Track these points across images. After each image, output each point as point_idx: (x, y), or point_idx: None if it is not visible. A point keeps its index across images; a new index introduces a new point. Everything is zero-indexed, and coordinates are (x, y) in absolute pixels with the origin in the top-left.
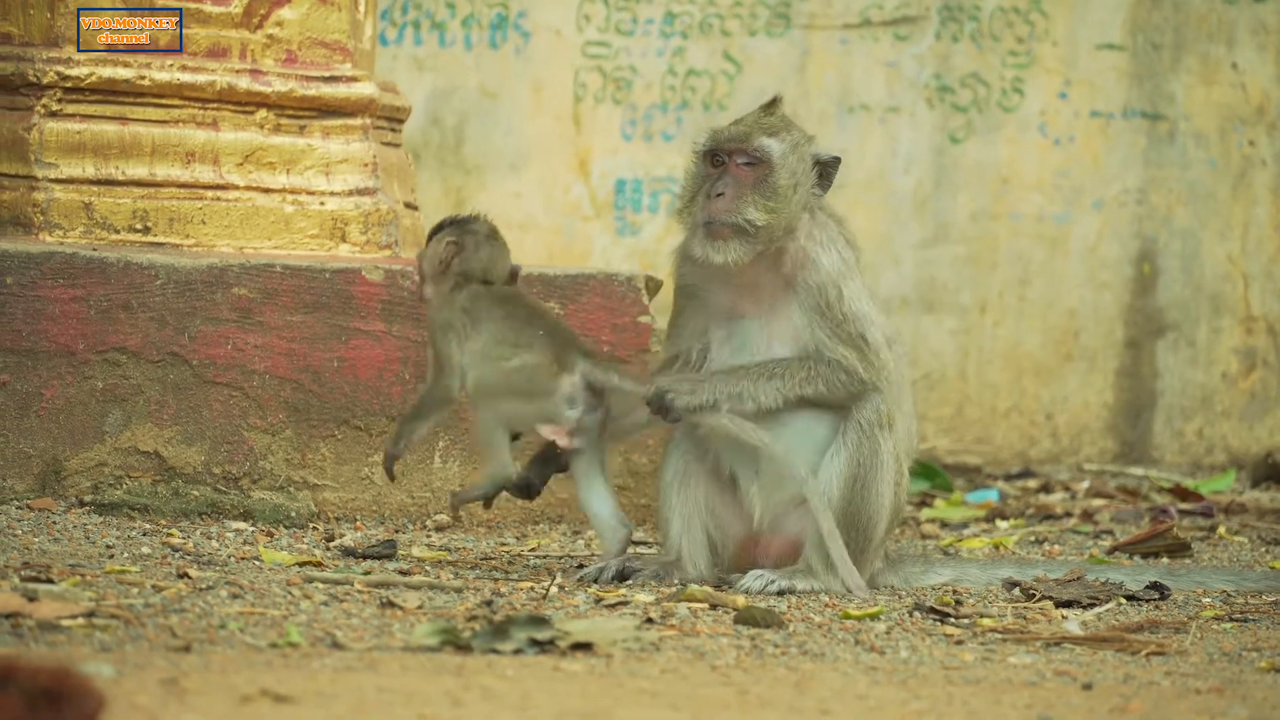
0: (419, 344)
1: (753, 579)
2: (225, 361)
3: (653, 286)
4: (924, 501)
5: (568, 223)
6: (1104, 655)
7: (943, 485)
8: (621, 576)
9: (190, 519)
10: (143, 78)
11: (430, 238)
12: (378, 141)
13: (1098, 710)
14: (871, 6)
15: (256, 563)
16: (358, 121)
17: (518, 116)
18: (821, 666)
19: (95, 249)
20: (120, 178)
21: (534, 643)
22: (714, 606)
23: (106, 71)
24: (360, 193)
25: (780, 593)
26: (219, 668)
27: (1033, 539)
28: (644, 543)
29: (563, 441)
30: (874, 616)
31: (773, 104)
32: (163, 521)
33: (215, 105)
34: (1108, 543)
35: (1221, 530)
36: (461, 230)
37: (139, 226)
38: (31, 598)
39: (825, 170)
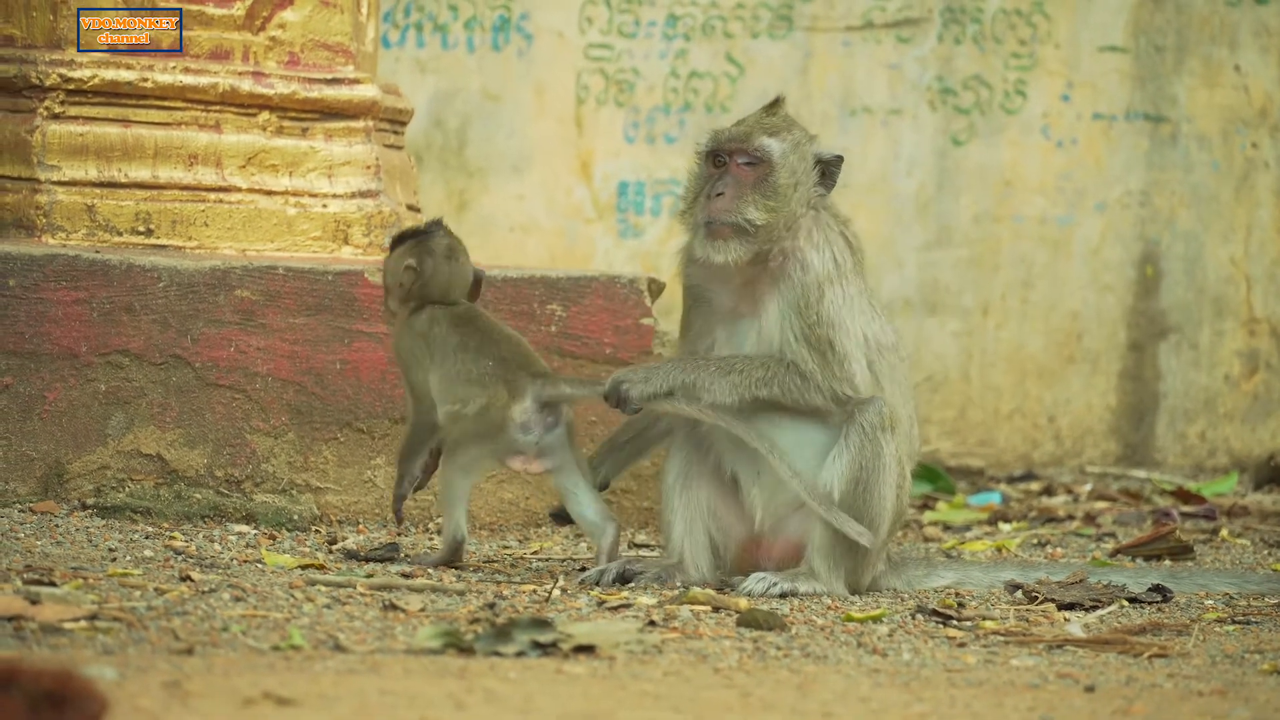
0: None
1: (755, 581)
2: (228, 364)
3: (655, 289)
4: (926, 504)
5: (570, 225)
6: (1106, 657)
7: (945, 488)
8: (623, 579)
9: (193, 522)
10: (145, 80)
11: (392, 248)
12: (380, 144)
13: (1100, 712)
14: (874, 9)
15: (259, 565)
16: (360, 124)
17: (520, 119)
18: (824, 669)
19: (98, 251)
20: (123, 180)
21: (536, 645)
22: (716, 609)
23: (109, 74)
24: (363, 195)
25: (783, 595)
26: (221, 670)
27: (1035, 541)
28: (646, 545)
29: (532, 468)
30: (876, 619)
31: (775, 104)
32: (165, 524)
33: (218, 107)
34: (1110, 545)
35: (1224, 533)
36: (420, 251)
37: (141, 229)
38: (34, 600)
39: (828, 169)
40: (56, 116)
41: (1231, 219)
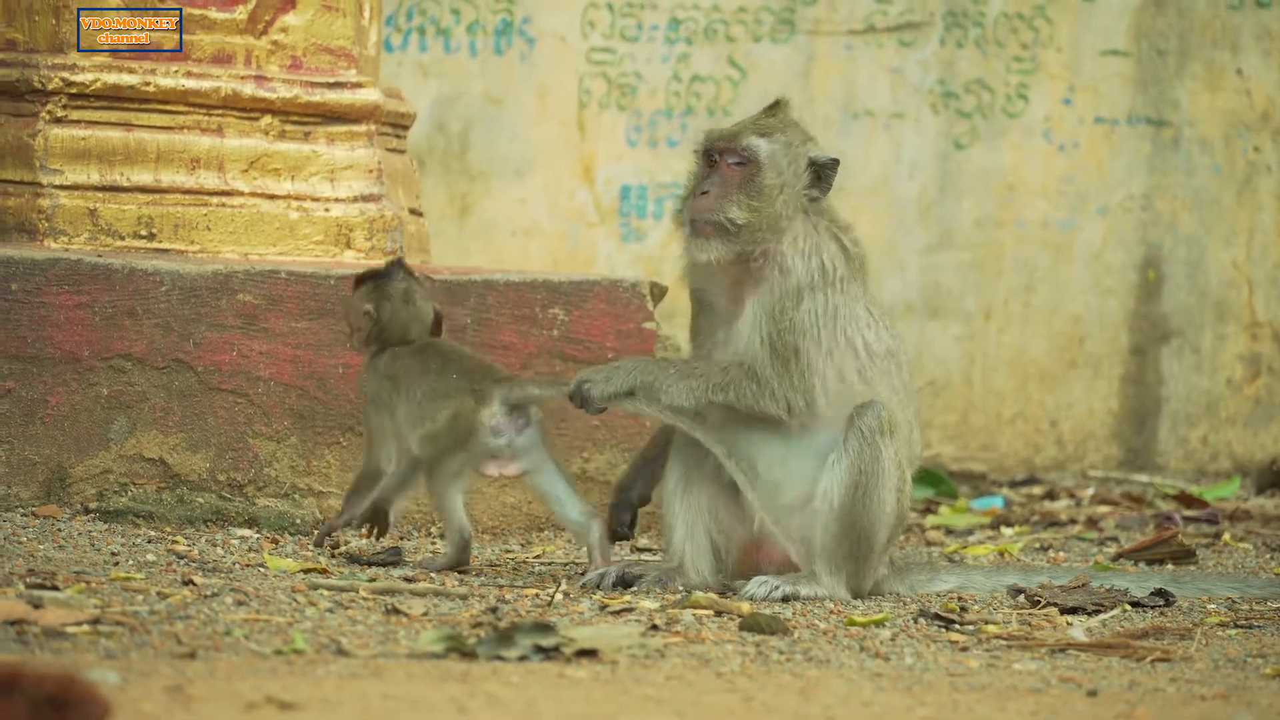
0: None
1: (756, 585)
2: (230, 368)
3: (657, 293)
4: (929, 508)
5: (572, 229)
6: (1109, 662)
7: (948, 492)
8: (624, 582)
9: (195, 526)
10: (148, 84)
11: (354, 288)
12: (382, 148)
13: (1103, 716)
14: (876, 12)
15: (261, 570)
16: (362, 128)
17: (522, 123)
18: (827, 673)
19: (100, 255)
20: (125, 184)
21: (539, 649)
22: (719, 613)
23: (111, 77)
24: (365, 199)
25: (784, 599)
26: (224, 675)
27: (1038, 546)
28: (649, 550)
29: (508, 471)
30: (879, 623)
31: (775, 106)
32: (168, 528)
33: (220, 111)
34: (1113, 549)
35: (1226, 537)
36: (377, 295)
37: (144, 233)
38: (37, 605)
39: (823, 172)
40: (59, 120)
41: (1233, 223)
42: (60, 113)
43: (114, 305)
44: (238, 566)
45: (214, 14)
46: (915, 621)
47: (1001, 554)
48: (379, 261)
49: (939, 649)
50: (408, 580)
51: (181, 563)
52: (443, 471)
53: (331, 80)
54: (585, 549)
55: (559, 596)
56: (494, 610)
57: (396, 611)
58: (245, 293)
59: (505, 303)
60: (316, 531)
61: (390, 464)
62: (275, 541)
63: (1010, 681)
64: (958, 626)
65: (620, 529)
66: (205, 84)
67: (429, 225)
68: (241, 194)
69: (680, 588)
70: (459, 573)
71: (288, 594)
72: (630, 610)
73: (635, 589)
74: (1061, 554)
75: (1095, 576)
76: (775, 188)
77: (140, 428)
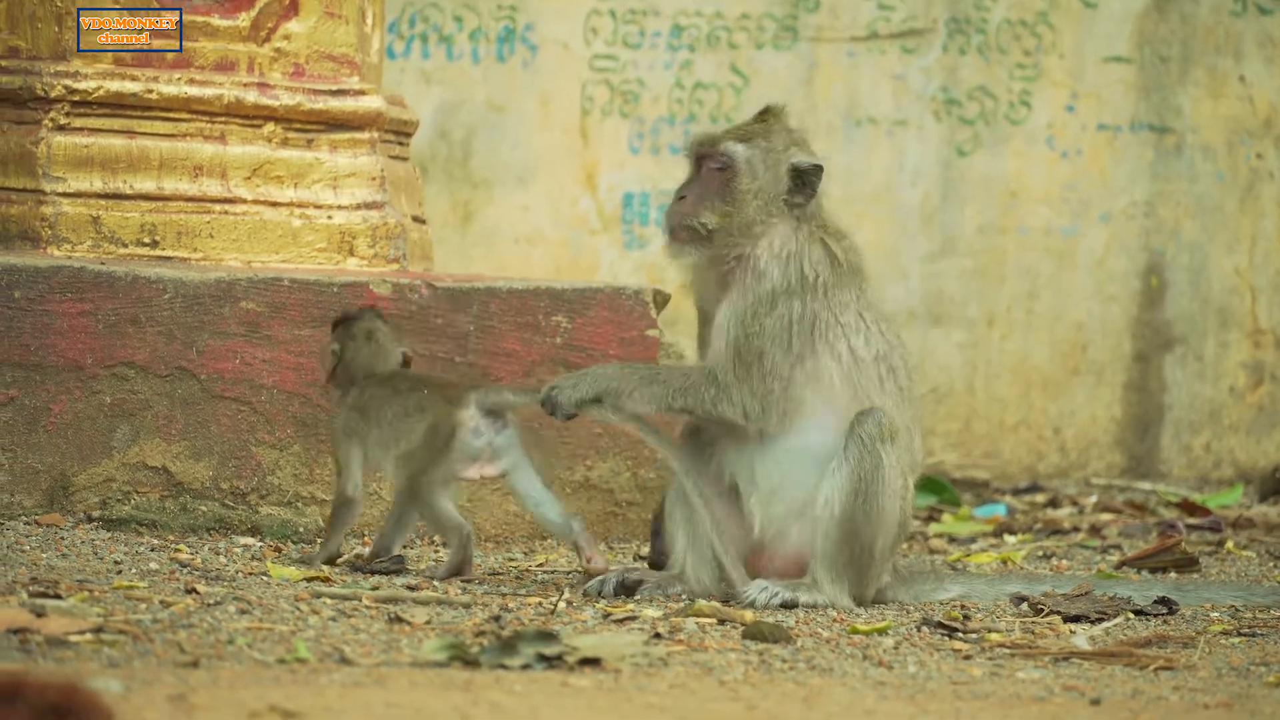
0: (427, 357)
1: (756, 590)
2: (233, 376)
3: (660, 300)
4: (932, 516)
5: (575, 236)
6: (1112, 670)
7: (950, 500)
8: (625, 588)
9: (198, 534)
10: (150, 91)
11: (332, 330)
12: (385, 155)
13: None
14: (879, 19)
15: (264, 578)
16: (365, 135)
17: (525, 130)
18: (829, 681)
19: (103, 263)
20: (128, 191)
21: (542, 658)
22: (722, 621)
23: (114, 85)
24: (368, 206)
25: (784, 604)
26: (227, 683)
27: (1041, 554)
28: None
29: (488, 472)
30: (882, 631)
31: (765, 111)
32: (170, 537)
33: (223, 119)
34: (1115, 557)
35: (1229, 545)
36: (343, 335)
37: (147, 240)
38: (39, 613)
39: (805, 178)
40: (62, 128)
41: (1236, 230)
42: (63, 120)
43: (117, 313)
44: (241, 575)
45: (217, 21)
46: (918, 630)
47: (1004, 562)
48: (383, 269)
49: (942, 657)
50: (411, 588)
51: (184, 571)
52: (428, 483)
53: (334, 87)
54: (575, 551)
55: (562, 605)
56: (497, 619)
57: (399, 620)
58: (248, 300)
59: (508, 310)
60: (299, 562)
61: (359, 491)
62: (278, 550)
63: (1013, 690)
64: (961, 635)
65: (659, 559)
66: (208, 91)
67: (432, 232)
68: (244, 201)
69: (681, 594)
70: (462, 581)
71: (291, 602)
72: (633, 619)
73: (638, 596)
74: (1064, 562)
75: (1098, 585)
76: (749, 193)
77: (143, 436)
